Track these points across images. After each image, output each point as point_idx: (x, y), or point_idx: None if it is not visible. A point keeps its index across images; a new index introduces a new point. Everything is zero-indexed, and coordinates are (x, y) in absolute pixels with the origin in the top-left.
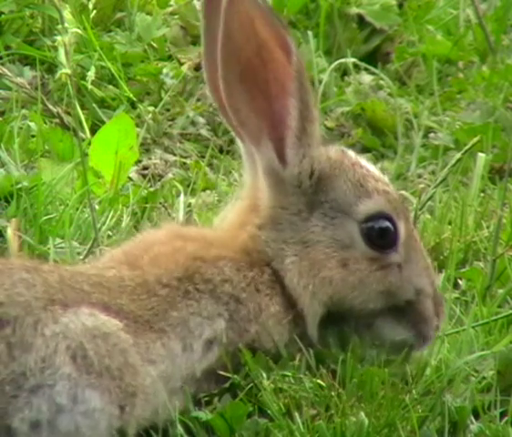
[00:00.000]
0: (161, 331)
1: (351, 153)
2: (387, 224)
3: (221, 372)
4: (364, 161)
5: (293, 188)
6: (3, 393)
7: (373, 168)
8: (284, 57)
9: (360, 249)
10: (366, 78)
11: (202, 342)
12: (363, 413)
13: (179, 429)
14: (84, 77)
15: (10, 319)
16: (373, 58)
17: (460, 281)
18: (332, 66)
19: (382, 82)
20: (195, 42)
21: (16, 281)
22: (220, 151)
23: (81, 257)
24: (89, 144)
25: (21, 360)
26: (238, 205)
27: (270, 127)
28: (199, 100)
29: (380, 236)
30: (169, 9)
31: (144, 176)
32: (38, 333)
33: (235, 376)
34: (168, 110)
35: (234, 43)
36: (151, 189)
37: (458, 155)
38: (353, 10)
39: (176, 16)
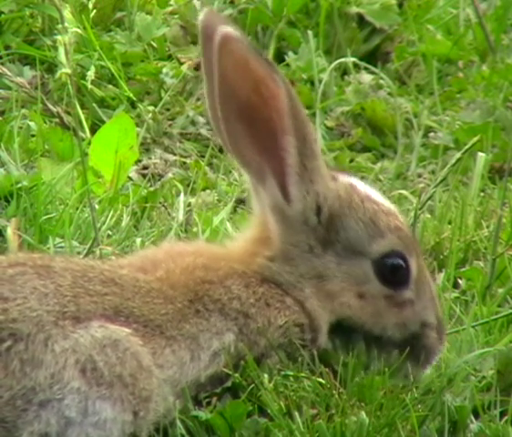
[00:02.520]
0: (172, 339)
1: (360, 186)
2: (399, 261)
3: (223, 370)
4: (374, 193)
5: (300, 224)
6: (14, 407)
7: (383, 200)
8: (277, 95)
9: (375, 287)
10: (366, 78)
11: (210, 353)
12: (363, 413)
13: (180, 428)
14: (84, 77)
15: (23, 335)
16: (373, 58)
17: (460, 281)
18: (332, 65)
19: (382, 81)
20: (195, 41)
21: (28, 293)
22: (220, 151)
23: (81, 256)
24: (89, 143)
25: (31, 376)
26: (248, 233)
27: (272, 164)
28: (198, 100)
29: (392, 273)
30: (169, 9)
31: (144, 175)
32: (49, 350)
33: (236, 375)
34: (168, 110)
35: (230, 83)
36: (151, 189)
37: (458, 154)
38: (353, 9)
39: (176, 16)
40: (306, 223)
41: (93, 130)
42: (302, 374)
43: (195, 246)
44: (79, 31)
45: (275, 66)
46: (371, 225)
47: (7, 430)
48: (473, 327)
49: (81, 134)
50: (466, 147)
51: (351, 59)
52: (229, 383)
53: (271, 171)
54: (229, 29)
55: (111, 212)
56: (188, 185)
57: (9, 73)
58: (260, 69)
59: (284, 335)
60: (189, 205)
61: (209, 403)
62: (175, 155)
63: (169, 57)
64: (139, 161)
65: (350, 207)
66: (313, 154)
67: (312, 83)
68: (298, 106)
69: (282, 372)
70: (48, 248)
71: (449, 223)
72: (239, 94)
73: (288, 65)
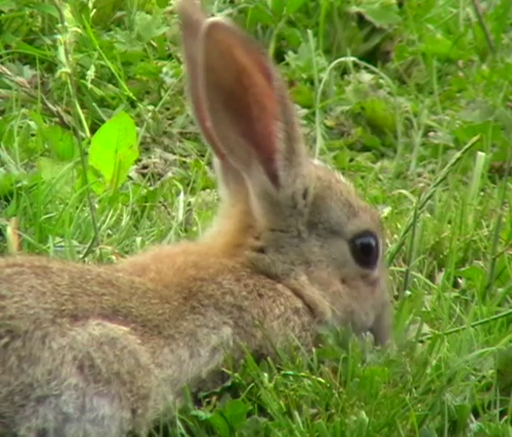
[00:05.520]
0: (171, 338)
1: (332, 168)
2: (372, 241)
3: (223, 369)
4: (340, 175)
5: (289, 209)
6: (12, 403)
7: (346, 180)
8: (265, 81)
9: (352, 268)
10: (366, 77)
11: (209, 349)
12: (363, 412)
13: (179, 428)
14: (84, 76)
15: (20, 332)
16: (373, 57)
17: (460, 280)
18: (332, 64)
19: (381, 81)
20: None
21: (26, 292)
22: None
23: (81, 256)
24: (89, 143)
25: (29, 372)
26: (225, 225)
27: (259, 151)
28: None
29: (366, 253)
30: (169, 8)
31: (144, 175)
32: (46, 347)
33: (236, 375)
34: (167, 109)
35: (215, 72)
36: (151, 188)
37: (458, 154)
38: (353, 9)
39: (176, 15)
40: (295, 207)
41: (93, 130)
42: (302, 373)
43: (182, 246)
44: (79, 30)
45: (264, 53)
46: (347, 205)
47: (5, 425)
48: (473, 326)
49: (81, 133)
50: (466, 146)
51: (350, 58)
52: (228, 383)
53: (258, 157)
54: (215, 18)
55: (111, 211)
56: (187, 184)
57: (9, 72)
58: (245, 57)
59: (284, 323)
60: (189, 204)
61: (208, 403)
62: (175, 154)
63: (169, 57)
64: (139, 160)
65: (330, 188)
66: (299, 137)
67: (312, 82)
68: (285, 90)
69: (282, 372)
70: (48, 248)
71: (449, 222)
72: (224, 82)
73: (288, 64)
